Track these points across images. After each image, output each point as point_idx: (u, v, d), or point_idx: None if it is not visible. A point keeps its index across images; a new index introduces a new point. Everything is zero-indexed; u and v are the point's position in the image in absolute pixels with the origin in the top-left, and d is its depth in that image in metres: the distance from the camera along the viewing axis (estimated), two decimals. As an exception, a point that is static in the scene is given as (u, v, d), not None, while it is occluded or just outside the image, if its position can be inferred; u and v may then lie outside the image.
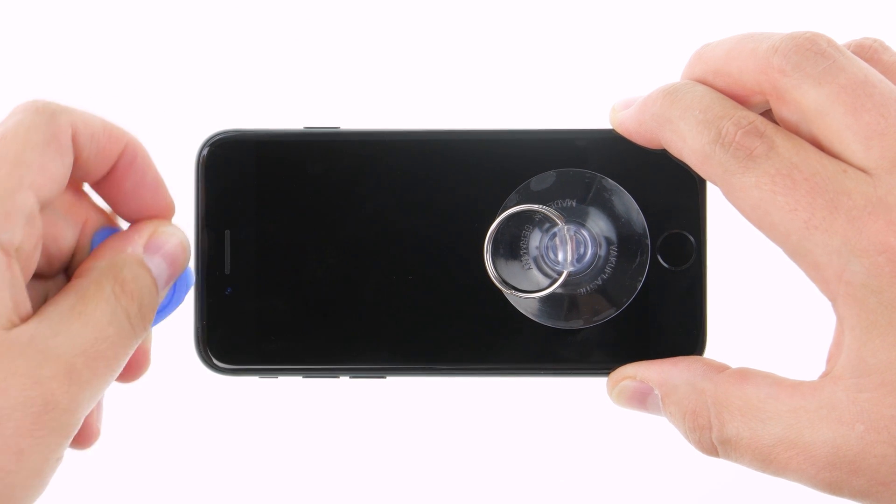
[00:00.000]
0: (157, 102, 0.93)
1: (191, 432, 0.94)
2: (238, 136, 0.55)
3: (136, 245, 0.52)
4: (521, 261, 0.55)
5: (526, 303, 0.55)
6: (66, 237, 0.52)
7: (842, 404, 0.49)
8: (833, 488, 0.49)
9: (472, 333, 0.55)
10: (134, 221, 0.53)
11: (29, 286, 0.50)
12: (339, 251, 0.55)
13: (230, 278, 0.55)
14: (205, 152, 0.55)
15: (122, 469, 0.94)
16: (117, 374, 0.50)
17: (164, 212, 0.54)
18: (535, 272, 0.55)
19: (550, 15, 0.94)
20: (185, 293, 0.54)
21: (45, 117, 0.50)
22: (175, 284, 0.53)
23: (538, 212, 0.55)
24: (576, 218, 0.55)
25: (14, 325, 0.48)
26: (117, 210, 0.54)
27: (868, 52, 0.52)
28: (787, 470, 0.50)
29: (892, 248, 0.48)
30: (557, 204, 0.55)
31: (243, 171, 0.55)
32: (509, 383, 0.91)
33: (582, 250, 0.55)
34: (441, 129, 0.56)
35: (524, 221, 0.55)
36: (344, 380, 0.56)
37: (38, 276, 0.52)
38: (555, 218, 0.55)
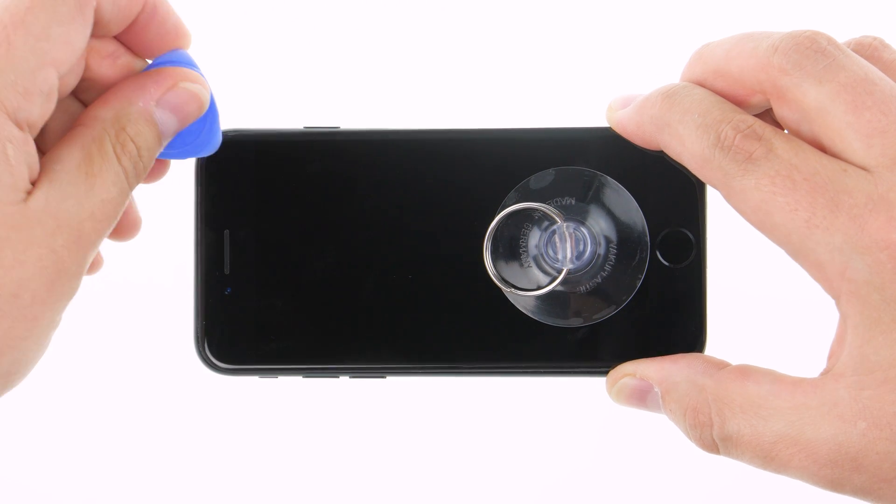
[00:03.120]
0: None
1: (191, 432, 0.94)
2: (238, 136, 0.55)
3: (148, 98, 0.52)
4: (520, 259, 0.55)
5: (526, 301, 0.55)
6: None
7: (844, 401, 0.49)
8: (835, 485, 0.49)
9: (471, 332, 0.55)
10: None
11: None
12: (339, 251, 0.55)
13: (230, 278, 0.55)
14: (204, 152, 0.55)
15: (122, 469, 0.94)
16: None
17: (182, 43, 0.53)
18: (535, 270, 0.55)
19: (550, 14, 0.94)
20: (210, 142, 0.54)
21: None
22: (206, 119, 0.53)
23: (537, 210, 0.55)
24: (575, 216, 0.55)
25: (28, 193, 0.48)
26: (136, 51, 0.53)
27: (868, 50, 0.52)
28: (789, 467, 0.50)
29: (893, 245, 0.48)
30: (556, 202, 0.55)
31: (243, 171, 0.55)
32: (509, 382, 0.91)
33: (581, 248, 0.55)
34: (440, 129, 0.56)
35: (523, 220, 0.55)
36: (344, 380, 0.56)
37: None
38: (554, 216, 0.55)
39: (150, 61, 0.53)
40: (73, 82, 0.51)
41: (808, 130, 0.50)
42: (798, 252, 0.50)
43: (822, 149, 0.50)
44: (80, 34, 0.49)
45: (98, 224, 0.50)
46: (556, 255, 0.55)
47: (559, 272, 0.55)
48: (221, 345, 0.55)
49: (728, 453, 0.51)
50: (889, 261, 0.48)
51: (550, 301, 0.55)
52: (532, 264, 0.55)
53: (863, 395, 0.48)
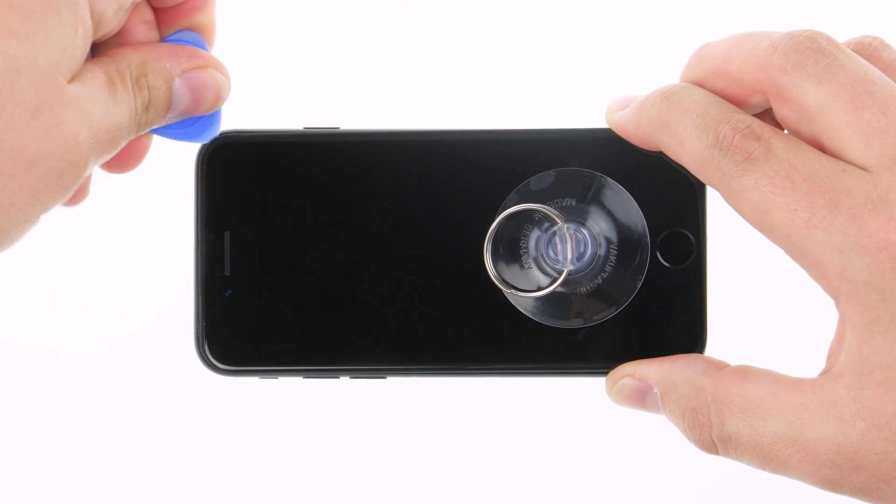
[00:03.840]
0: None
1: (191, 433, 0.94)
2: (238, 137, 0.55)
3: (176, 64, 0.53)
4: (520, 260, 0.55)
5: (526, 302, 0.55)
6: None
7: (842, 401, 0.49)
8: (834, 486, 0.49)
9: (472, 333, 0.55)
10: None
11: None
12: (339, 251, 0.55)
13: (230, 279, 0.55)
14: (205, 153, 0.55)
15: (122, 469, 0.94)
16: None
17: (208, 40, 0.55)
18: (535, 271, 0.55)
19: (550, 14, 0.94)
20: (207, 130, 0.54)
21: None
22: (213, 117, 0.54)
23: (538, 211, 0.55)
24: (575, 217, 0.55)
25: (72, 78, 0.49)
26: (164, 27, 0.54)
27: (868, 49, 0.52)
28: (788, 467, 0.50)
29: (893, 245, 0.48)
30: (557, 203, 0.55)
31: (243, 172, 0.55)
32: (509, 383, 0.91)
33: (582, 249, 0.55)
34: (441, 129, 0.56)
35: (524, 221, 0.55)
36: (344, 380, 0.56)
37: None
38: (554, 217, 0.55)
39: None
40: (115, 28, 0.52)
41: (808, 130, 0.50)
42: (797, 252, 0.50)
43: (821, 149, 0.50)
44: None
45: (107, 144, 0.50)
46: (556, 256, 0.55)
47: (560, 273, 0.55)
48: (222, 346, 0.55)
49: (727, 454, 0.51)
50: (888, 261, 0.48)
51: (551, 302, 0.55)
52: (532, 265, 0.55)
53: (861, 396, 0.48)
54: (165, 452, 0.94)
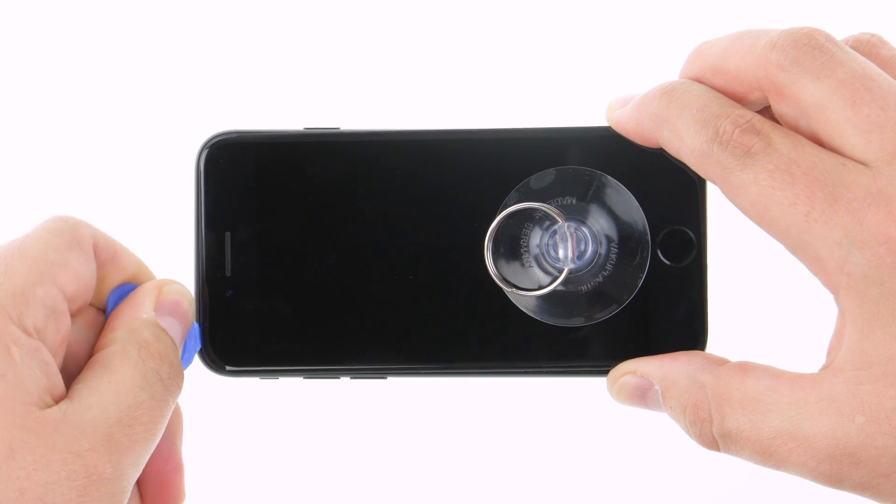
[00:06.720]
0: (158, 103, 0.93)
1: (191, 433, 0.94)
2: (238, 138, 0.55)
3: (147, 309, 0.52)
4: (521, 259, 0.55)
5: (527, 301, 0.55)
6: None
7: (842, 396, 0.49)
8: (833, 481, 0.49)
9: (473, 332, 0.55)
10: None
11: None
12: (340, 252, 0.55)
13: (231, 280, 0.55)
14: (205, 153, 0.55)
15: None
16: (159, 437, 0.51)
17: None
18: (536, 270, 0.55)
19: (550, 13, 0.94)
20: (195, 352, 0.54)
21: (69, 224, 0.51)
22: (185, 343, 0.54)
23: (538, 210, 0.55)
24: (576, 215, 0.55)
25: (48, 406, 0.48)
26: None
27: (866, 46, 0.52)
28: (788, 463, 0.49)
29: (892, 239, 0.48)
30: (557, 202, 0.55)
31: (243, 173, 0.55)
32: (510, 382, 0.91)
33: (582, 247, 0.55)
34: (440, 129, 0.56)
35: (524, 219, 0.55)
36: (345, 380, 0.56)
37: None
38: (555, 216, 0.55)
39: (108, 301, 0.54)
40: (64, 329, 0.51)
41: (807, 127, 0.50)
42: (797, 246, 0.50)
43: (820, 145, 0.50)
44: (79, 262, 0.51)
45: (128, 429, 0.49)
46: (557, 254, 0.55)
47: (560, 272, 0.55)
48: (222, 346, 0.55)
49: (728, 450, 0.51)
50: (888, 255, 0.48)
51: (552, 301, 0.55)
52: (533, 264, 0.55)
53: (861, 390, 0.48)
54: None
